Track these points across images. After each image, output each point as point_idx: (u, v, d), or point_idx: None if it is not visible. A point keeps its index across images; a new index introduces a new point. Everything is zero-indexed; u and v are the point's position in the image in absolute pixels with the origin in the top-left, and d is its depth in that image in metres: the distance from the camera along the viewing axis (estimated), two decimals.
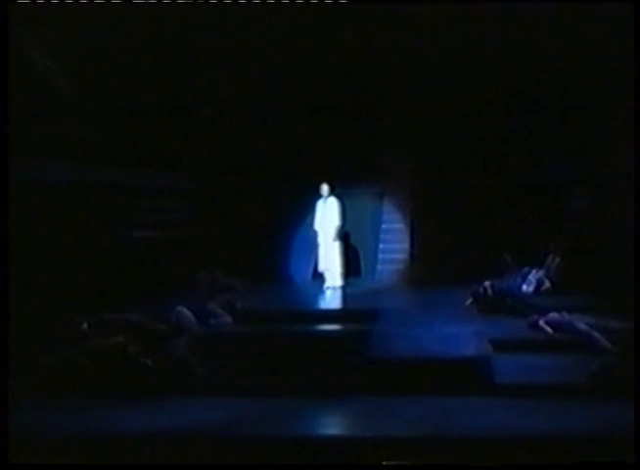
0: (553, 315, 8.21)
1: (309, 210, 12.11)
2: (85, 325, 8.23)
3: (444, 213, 12.37)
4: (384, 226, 13.08)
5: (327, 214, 11.69)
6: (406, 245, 12.75)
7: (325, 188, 11.72)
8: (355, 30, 9.12)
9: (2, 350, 6.13)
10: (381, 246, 12.95)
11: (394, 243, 12.87)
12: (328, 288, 11.63)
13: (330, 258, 11.69)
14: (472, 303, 9.67)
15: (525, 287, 10.22)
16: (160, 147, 11.46)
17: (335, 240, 11.67)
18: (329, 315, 9.55)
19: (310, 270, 12.73)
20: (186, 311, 8.61)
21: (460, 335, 8.04)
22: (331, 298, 11.11)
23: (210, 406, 6.85)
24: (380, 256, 12.84)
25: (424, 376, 7.10)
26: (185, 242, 12.14)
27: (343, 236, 11.81)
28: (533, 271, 10.42)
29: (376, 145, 12.57)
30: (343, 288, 11.61)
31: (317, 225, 11.77)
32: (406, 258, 12.66)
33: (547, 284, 10.29)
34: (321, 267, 11.85)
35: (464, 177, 12.24)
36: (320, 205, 11.79)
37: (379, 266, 12.75)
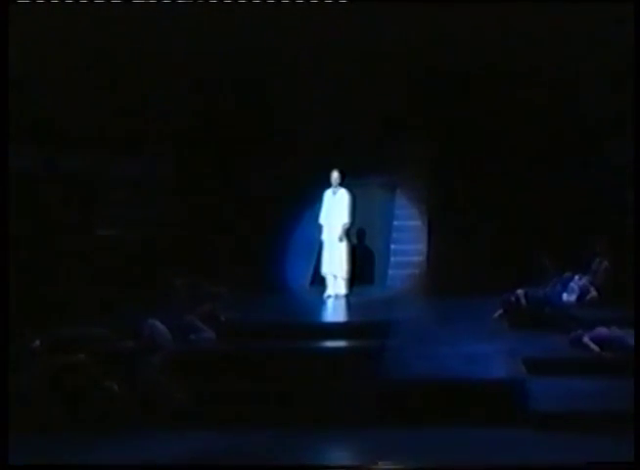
0: (600, 330, 8.33)
1: (310, 202, 12.23)
2: (37, 343, 8.31)
3: (468, 208, 12.44)
4: (396, 223, 13.16)
5: (335, 208, 11.80)
6: (422, 245, 12.84)
7: (335, 176, 11.82)
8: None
9: None
10: (392, 246, 13.04)
11: (408, 243, 12.98)
12: (329, 296, 11.75)
13: (334, 261, 11.80)
14: (502, 315, 9.77)
15: (566, 296, 10.32)
16: (130, 126, 11.71)
17: (341, 239, 11.79)
18: (331, 330, 9.67)
19: (309, 275, 12.84)
20: (160, 325, 8.71)
21: (488, 353, 8.16)
22: (334, 308, 11.27)
23: (190, 440, 6.97)
24: (391, 258, 12.95)
25: (445, 403, 7.24)
26: (159, 241, 12.21)
27: (351, 235, 11.99)
28: (576, 277, 10.54)
29: (387, 127, 12.74)
30: (348, 297, 11.74)
31: (322, 219, 11.88)
32: (422, 260, 12.75)
33: (593, 292, 10.41)
34: (323, 271, 11.95)
35: (491, 165, 12.34)
36: (328, 196, 11.91)
37: (390, 271, 12.87)
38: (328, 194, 11.92)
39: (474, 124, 12.19)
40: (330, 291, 11.85)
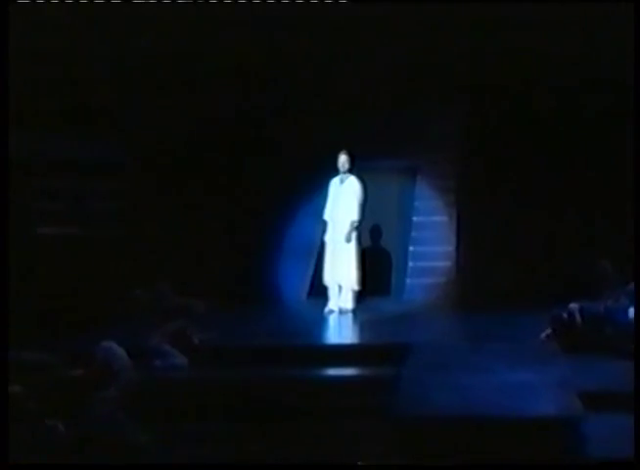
0: None
1: (310, 191, 12.31)
2: None
3: (507, 200, 12.44)
4: (415, 219, 13.18)
5: (341, 200, 11.83)
6: (450, 247, 12.86)
7: (343, 160, 11.82)
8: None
9: None
10: (411, 248, 13.07)
11: (432, 244, 12.99)
12: (332, 312, 11.72)
13: (340, 267, 11.81)
14: (551, 335, 9.73)
15: (632, 311, 10.00)
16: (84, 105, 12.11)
17: (349, 240, 11.76)
18: (334, 354, 9.66)
19: (307, 284, 12.89)
20: (117, 349, 8.42)
21: (532, 385, 8.06)
22: (337, 327, 11.31)
23: None
24: (410, 263, 13.01)
25: (475, 446, 7.15)
26: (118, 242, 12.26)
27: (361, 234, 11.95)
28: None
29: (403, 100, 12.78)
30: (355, 312, 11.73)
31: (326, 214, 11.90)
32: (449, 266, 12.76)
33: None
34: (326, 280, 11.94)
35: (536, 146, 12.37)
36: (334, 185, 11.92)
37: (408, 280, 12.96)
38: (334, 183, 11.91)
39: (517, 90, 12.33)
40: (333, 305, 11.82)
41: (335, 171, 11.92)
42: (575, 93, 12.23)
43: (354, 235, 11.82)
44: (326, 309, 11.76)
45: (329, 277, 11.89)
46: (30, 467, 6.90)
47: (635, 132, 10.94)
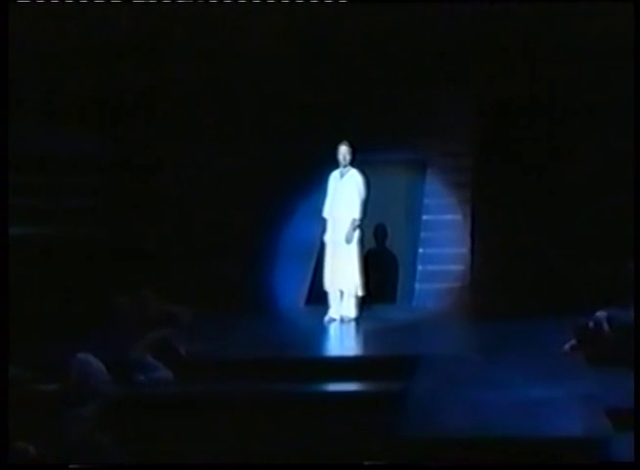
0: None
1: (307, 187, 12.29)
2: None
3: (526, 197, 12.42)
4: (425, 218, 13.17)
5: (341, 197, 11.77)
6: (463, 249, 12.87)
7: (343, 151, 11.74)
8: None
9: None
10: (420, 250, 13.06)
11: (443, 246, 13.00)
12: (333, 320, 11.65)
13: (342, 271, 11.74)
14: (575, 346, 9.68)
15: None
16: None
17: (349, 240, 11.69)
18: (335, 368, 9.60)
19: (304, 290, 12.87)
20: (94, 362, 8.46)
21: (556, 401, 8.01)
22: (339, 337, 11.26)
23: None
24: (419, 267, 12.99)
25: (496, 467, 7.08)
26: (97, 244, 12.25)
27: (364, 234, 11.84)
28: None
29: (411, 85, 12.79)
30: (359, 321, 11.67)
31: (326, 212, 11.86)
32: (463, 270, 12.75)
33: None
34: (327, 286, 11.87)
35: (560, 137, 12.42)
36: (334, 180, 11.87)
37: (417, 285, 12.94)
38: (334, 177, 11.85)
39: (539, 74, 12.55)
40: (334, 312, 11.73)
41: (335, 164, 11.86)
42: (596, 84, 12.47)
43: (356, 235, 11.75)
44: (326, 318, 11.68)
45: (329, 282, 11.83)
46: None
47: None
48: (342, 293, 11.75)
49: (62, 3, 12.27)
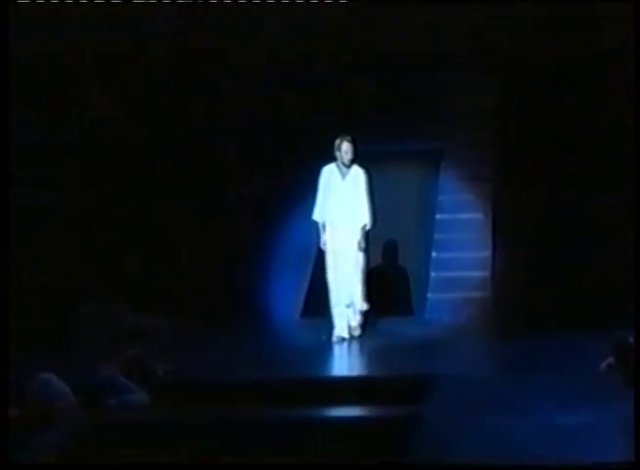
0: None
1: (301, 189, 12.31)
2: None
3: (555, 193, 12.44)
4: (439, 217, 13.24)
5: (345, 200, 11.73)
6: (483, 253, 12.93)
7: (345, 148, 11.72)
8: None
9: None
10: (434, 255, 13.15)
11: (461, 249, 13.09)
12: (342, 340, 11.60)
13: (348, 285, 11.70)
14: (613, 365, 9.59)
15: None
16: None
17: (362, 248, 11.68)
18: (337, 389, 9.61)
19: (300, 301, 12.94)
20: (58, 382, 8.52)
21: (590, 427, 7.98)
22: (340, 355, 11.30)
23: None
24: (432, 273, 13.09)
25: None
26: (62, 247, 12.26)
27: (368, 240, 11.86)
28: None
29: (422, 68, 12.87)
30: (363, 336, 11.70)
31: (323, 215, 11.80)
32: (483, 277, 12.81)
33: None
34: (332, 302, 11.79)
35: (594, 125, 12.40)
36: (333, 178, 11.83)
37: (430, 294, 13.03)
38: (331, 175, 11.82)
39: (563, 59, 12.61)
40: (342, 330, 11.66)
41: (329, 158, 11.83)
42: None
43: (364, 245, 11.70)
44: (334, 338, 11.58)
45: (335, 299, 11.74)
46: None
47: None
48: (347, 306, 11.68)
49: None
